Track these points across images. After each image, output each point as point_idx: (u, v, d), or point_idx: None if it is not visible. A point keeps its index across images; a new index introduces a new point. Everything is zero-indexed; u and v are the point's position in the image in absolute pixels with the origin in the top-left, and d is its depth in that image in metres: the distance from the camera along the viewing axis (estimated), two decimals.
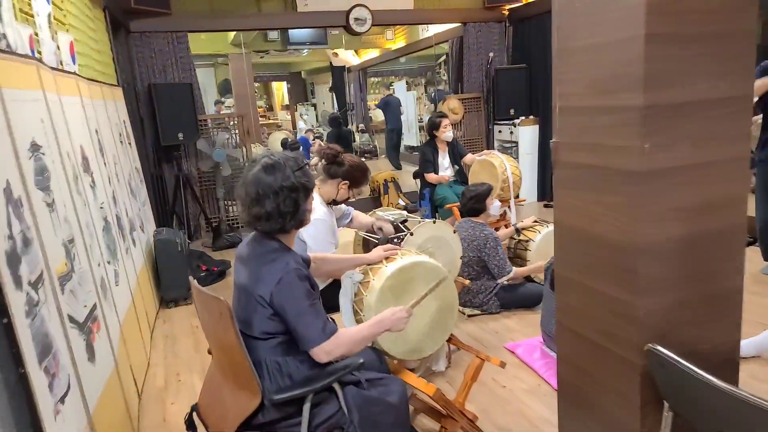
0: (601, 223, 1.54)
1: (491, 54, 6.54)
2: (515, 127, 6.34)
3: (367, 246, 3.20)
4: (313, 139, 11.24)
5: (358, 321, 2.04)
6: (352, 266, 2.10)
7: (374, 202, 6.71)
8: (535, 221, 3.81)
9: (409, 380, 1.89)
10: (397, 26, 9.70)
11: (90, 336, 2.07)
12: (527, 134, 6.30)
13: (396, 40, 10.48)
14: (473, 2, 6.56)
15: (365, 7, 6.06)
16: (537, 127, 6.32)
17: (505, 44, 6.71)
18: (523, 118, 6.33)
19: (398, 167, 9.93)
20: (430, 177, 4.84)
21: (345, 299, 2.05)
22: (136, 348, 2.94)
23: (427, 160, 4.86)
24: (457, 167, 4.95)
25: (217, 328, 1.61)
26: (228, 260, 4.92)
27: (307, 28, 7.16)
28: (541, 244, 3.66)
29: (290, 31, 8.43)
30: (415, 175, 5.41)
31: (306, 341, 1.60)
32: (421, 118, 10.87)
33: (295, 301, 1.57)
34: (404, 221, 3.08)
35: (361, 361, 1.66)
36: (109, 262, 2.70)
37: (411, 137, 10.80)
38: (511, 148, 6.36)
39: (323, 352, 1.60)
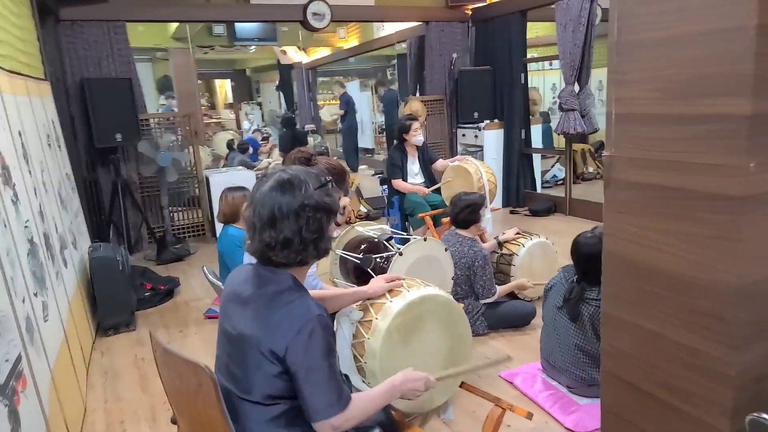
0: (671, 257, 1.27)
1: (455, 55, 6.31)
2: (480, 131, 6.13)
3: (344, 265, 2.84)
4: (262, 140, 10.69)
5: (359, 368, 1.69)
6: (348, 302, 1.75)
7: None
8: (518, 233, 3.57)
9: None
10: (350, 25, 9.35)
11: (14, 399, 1.61)
12: (492, 138, 6.11)
13: (348, 39, 10.12)
14: (435, 0, 6.30)
15: (324, 1, 5.67)
16: (502, 131, 6.14)
17: (468, 45, 6.49)
18: (488, 121, 6.13)
19: (355, 169, 9.60)
20: (398, 184, 4.51)
21: (342, 343, 1.69)
22: (71, 394, 2.45)
23: (395, 165, 4.53)
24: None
25: (193, 401, 1.21)
26: (176, 277, 4.40)
27: (260, 22, 6.66)
28: (525, 259, 3.41)
29: (237, 25, 7.92)
30: (383, 182, 5.08)
31: (313, 411, 1.23)
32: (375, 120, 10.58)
33: (312, 359, 1.22)
34: (389, 239, 2.75)
35: (377, 431, 1.31)
36: (36, 294, 2.21)
37: (366, 139, 10.48)
38: (475, 153, 6.15)
39: (331, 428, 1.24)
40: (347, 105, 9.69)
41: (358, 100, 10.19)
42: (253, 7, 5.52)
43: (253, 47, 10.84)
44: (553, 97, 8.98)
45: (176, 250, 5.12)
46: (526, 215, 5.81)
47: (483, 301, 3.11)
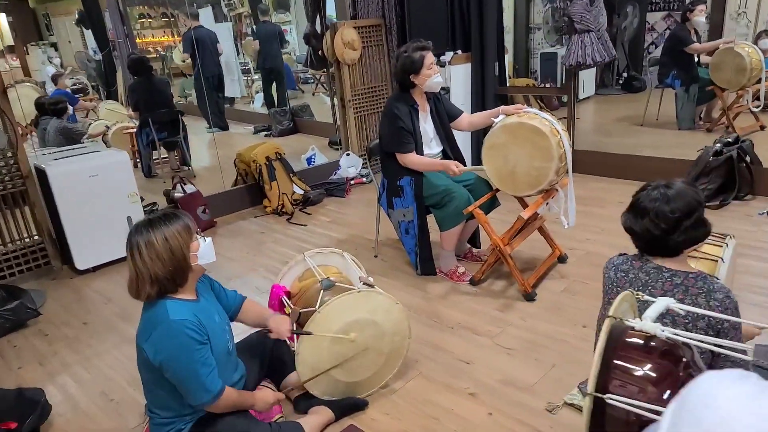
0: None
1: None
2: (443, 67, 4.53)
3: None
4: (76, 93, 7.67)
5: None
6: None
7: (251, 194, 4.32)
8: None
9: None
10: None
11: None
12: (459, 77, 4.57)
13: None
14: None
15: None
16: (469, 66, 4.63)
17: None
18: (453, 53, 4.55)
19: (226, 128, 7.35)
20: (413, 160, 2.79)
21: None
22: None
23: (401, 130, 2.78)
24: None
25: None
26: (36, 391, 2.20)
27: None
28: (728, 281, 2.03)
29: None
30: (371, 154, 3.28)
31: None
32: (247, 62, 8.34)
33: None
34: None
35: None
36: None
37: (233, 87, 8.16)
38: None
39: None
40: (192, 45, 6.97)
41: (218, 35, 7.74)
42: None
43: None
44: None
45: (10, 310, 2.80)
46: None
47: None
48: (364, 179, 4.67)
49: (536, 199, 2.77)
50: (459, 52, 4.65)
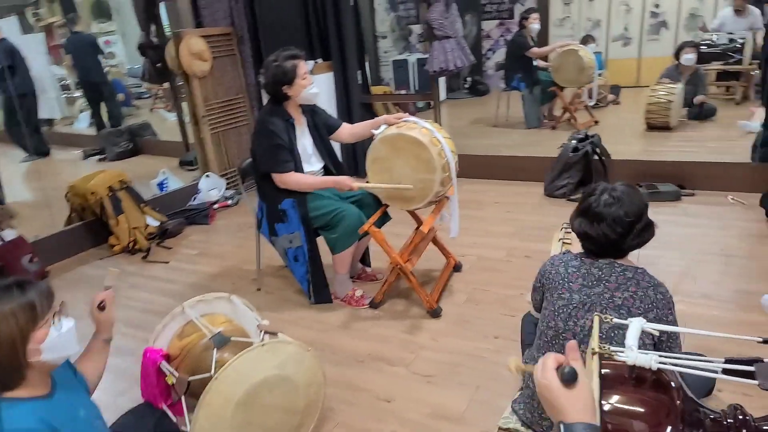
0: None
1: None
2: None
3: None
4: None
5: None
6: None
7: (92, 233, 3.64)
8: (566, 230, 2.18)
9: None
10: None
11: None
12: (322, 86, 4.35)
13: None
14: None
15: None
16: (331, 74, 4.43)
17: None
18: (314, 62, 4.32)
19: (44, 152, 6.28)
20: (296, 180, 2.50)
21: None
22: None
23: (278, 147, 2.48)
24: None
25: None
26: None
27: None
28: None
29: None
30: (244, 175, 2.87)
31: None
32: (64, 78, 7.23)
33: None
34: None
35: None
36: None
37: (51, 106, 7.02)
38: None
39: None
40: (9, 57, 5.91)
41: (27, 49, 6.60)
42: None
43: None
44: None
45: None
46: None
47: None
48: (230, 202, 4.23)
49: (429, 210, 2.66)
50: (319, 60, 4.44)
